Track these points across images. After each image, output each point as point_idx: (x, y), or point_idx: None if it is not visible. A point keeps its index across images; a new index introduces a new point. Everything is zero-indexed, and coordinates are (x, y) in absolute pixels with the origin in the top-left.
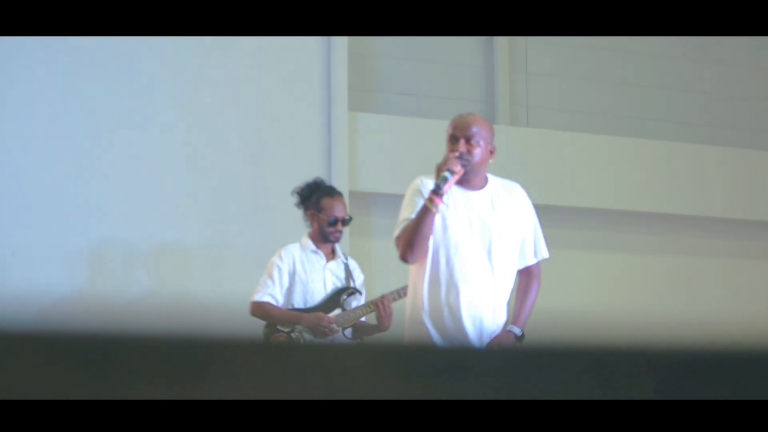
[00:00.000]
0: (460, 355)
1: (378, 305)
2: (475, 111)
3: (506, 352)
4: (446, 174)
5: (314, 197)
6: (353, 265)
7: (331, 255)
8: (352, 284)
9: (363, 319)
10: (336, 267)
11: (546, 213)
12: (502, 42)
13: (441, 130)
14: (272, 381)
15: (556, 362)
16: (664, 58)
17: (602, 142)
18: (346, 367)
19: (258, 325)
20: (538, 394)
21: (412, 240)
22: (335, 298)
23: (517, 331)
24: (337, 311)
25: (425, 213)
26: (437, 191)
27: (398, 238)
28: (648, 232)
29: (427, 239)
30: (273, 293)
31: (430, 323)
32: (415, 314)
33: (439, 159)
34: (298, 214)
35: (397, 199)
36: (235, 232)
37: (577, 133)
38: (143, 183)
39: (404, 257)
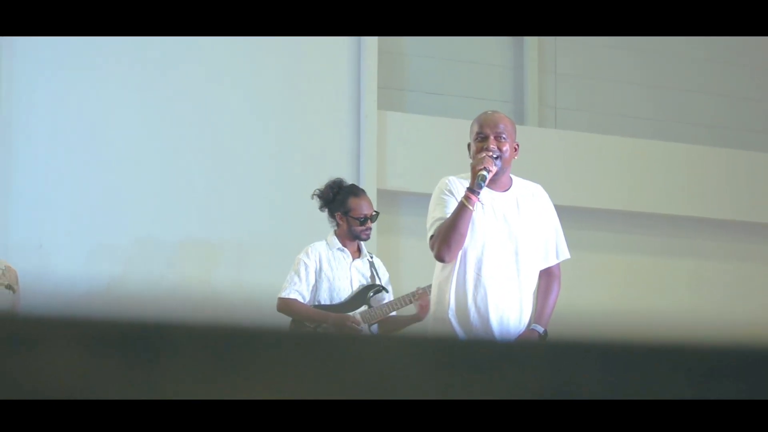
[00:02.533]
0: (493, 348)
1: (421, 294)
2: (506, 111)
3: (538, 347)
4: (484, 173)
5: (339, 198)
6: (378, 263)
7: (357, 253)
8: (378, 282)
9: (393, 313)
10: (362, 265)
11: (572, 214)
12: (531, 43)
13: (468, 130)
14: (304, 371)
15: (586, 358)
16: (692, 61)
17: (629, 144)
18: (379, 358)
19: (284, 322)
20: (567, 390)
21: (449, 237)
22: (362, 296)
23: (540, 329)
24: (363, 308)
25: (462, 210)
26: (474, 189)
27: (433, 237)
28: (674, 234)
29: (464, 237)
30: (300, 290)
31: (456, 321)
32: (440, 312)
33: (466, 158)
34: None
35: (424, 198)
36: (263, 229)
37: (605, 135)
38: (171, 178)
39: (441, 255)
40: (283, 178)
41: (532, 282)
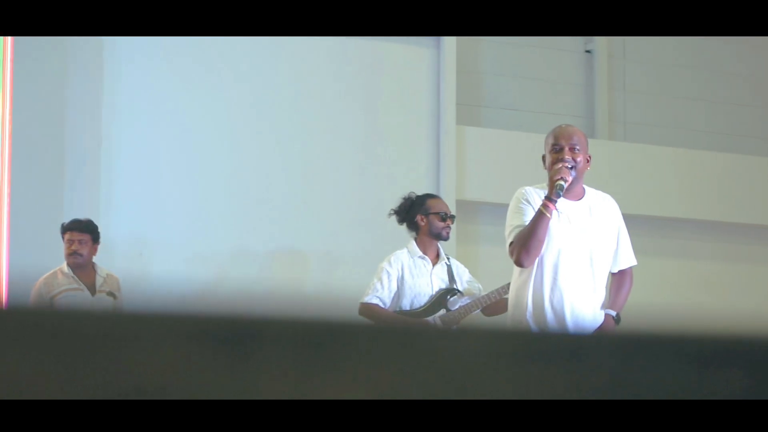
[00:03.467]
0: (575, 340)
1: (501, 290)
2: (577, 125)
3: (614, 337)
4: (562, 182)
5: (417, 203)
6: (455, 264)
7: (436, 259)
8: (455, 286)
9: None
10: (441, 270)
11: (639, 223)
12: (601, 59)
13: (542, 143)
14: (388, 366)
15: (663, 350)
16: (755, 77)
17: (694, 156)
18: (458, 351)
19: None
20: (642, 383)
21: (528, 243)
22: (440, 300)
23: (613, 313)
24: (441, 312)
25: (540, 218)
26: (552, 198)
27: (513, 244)
28: (742, 242)
29: (542, 242)
30: (381, 296)
31: (533, 322)
32: (518, 315)
33: (539, 170)
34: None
35: (501, 208)
36: (349, 239)
37: (672, 148)
38: (261, 190)
39: (520, 260)
40: (369, 190)
41: (605, 286)
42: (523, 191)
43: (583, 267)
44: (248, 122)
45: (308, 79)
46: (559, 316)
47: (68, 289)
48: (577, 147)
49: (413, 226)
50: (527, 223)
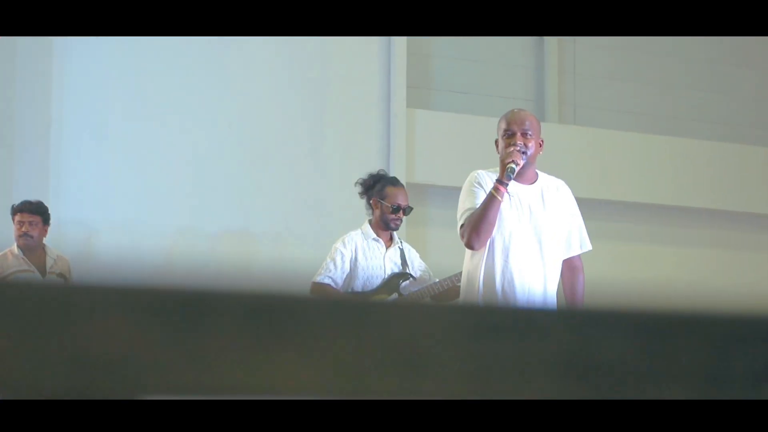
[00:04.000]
0: (528, 314)
1: (453, 278)
2: (527, 108)
3: (563, 312)
4: (513, 165)
5: (378, 186)
6: (408, 248)
7: (389, 242)
8: (408, 270)
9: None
10: (394, 254)
11: (590, 206)
12: (551, 43)
13: (493, 126)
14: (336, 337)
15: (612, 324)
16: (703, 61)
17: (643, 140)
18: (406, 323)
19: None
20: (591, 355)
21: (478, 226)
22: (392, 283)
23: None
24: (394, 296)
25: (491, 200)
26: (503, 181)
27: (464, 227)
28: (685, 225)
29: (493, 225)
30: (333, 276)
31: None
32: (470, 298)
33: (490, 153)
34: (357, 204)
35: (451, 191)
36: (298, 221)
37: (621, 132)
38: (212, 174)
39: (470, 243)
40: (319, 172)
41: (556, 269)
42: (476, 174)
43: (533, 250)
44: (200, 104)
45: (259, 61)
46: (510, 298)
47: (18, 271)
48: (530, 132)
49: (368, 207)
50: (479, 206)
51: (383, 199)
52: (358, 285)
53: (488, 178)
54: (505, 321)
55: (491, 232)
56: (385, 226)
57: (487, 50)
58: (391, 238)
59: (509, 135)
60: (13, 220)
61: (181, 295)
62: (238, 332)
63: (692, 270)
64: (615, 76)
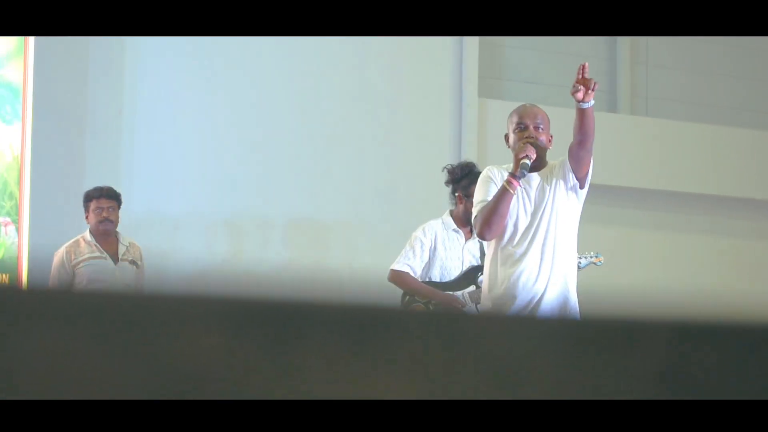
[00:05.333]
0: (627, 326)
1: None
2: (599, 99)
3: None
4: (527, 161)
5: (465, 181)
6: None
7: (470, 234)
8: None
9: None
10: (473, 246)
11: (661, 198)
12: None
13: (566, 117)
14: (432, 352)
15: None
16: None
17: (718, 132)
18: (512, 338)
19: (395, 293)
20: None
21: (489, 218)
22: (470, 276)
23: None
24: (471, 288)
25: (503, 193)
26: (516, 175)
27: (476, 218)
28: (748, 218)
29: (504, 218)
30: (412, 265)
31: (491, 297)
32: (484, 290)
33: (561, 144)
34: (429, 193)
35: None
36: (369, 210)
37: (693, 123)
38: (282, 159)
39: (482, 234)
40: (390, 163)
41: (561, 259)
42: (487, 169)
43: (538, 243)
44: (272, 93)
45: (330, 49)
46: (510, 291)
47: (91, 257)
48: (541, 126)
49: (453, 198)
50: (491, 199)
51: (469, 196)
52: (436, 275)
53: (499, 174)
54: (599, 333)
55: (502, 224)
56: (467, 222)
57: (559, 41)
58: (472, 231)
59: (521, 128)
60: (88, 206)
61: (275, 308)
62: (332, 344)
63: (756, 264)
64: (688, 66)
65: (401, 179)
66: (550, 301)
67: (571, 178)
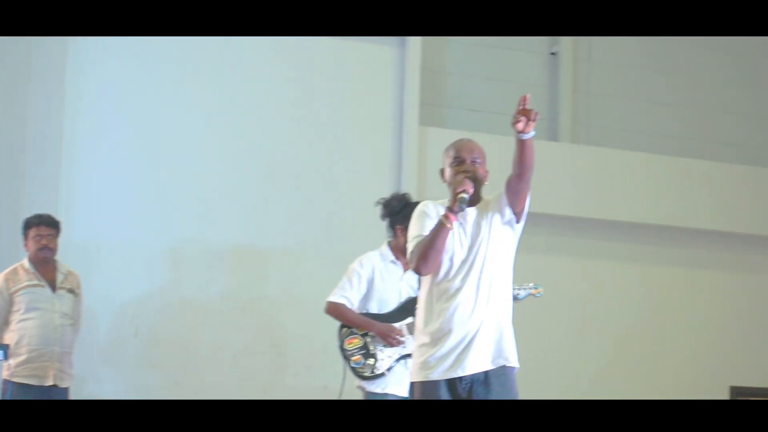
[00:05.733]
0: None
1: None
2: (540, 128)
3: None
4: (465, 195)
5: (404, 212)
6: None
7: (407, 265)
8: None
9: None
10: (411, 277)
11: (600, 227)
12: (566, 62)
13: (507, 145)
14: None
15: None
16: (716, 82)
17: (658, 161)
18: None
19: (332, 325)
20: None
21: (426, 253)
22: (408, 307)
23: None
24: (409, 320)
25: (440, 228)
26: (454, 210)
27: (412, 253)
28: (699, 247)
29: (440, 252)
30: (349, 296)
31: (426, 332)
32: (419, 324)
33: (502, 172)
34: (368, 221)
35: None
36: (310, 237)
37: (633, 152)
38: (223, 187)
39: (418, 269)
40: (329, 189)
41: (498, 291)
42: (423, 204)
43: (473, 277)
44: (211, 120)
45: (272, 76)
46: (446, 325)
47: (29, 285)
48: (478, 160)
49: (391, 231)
50: (428, 234)
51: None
52: (374, 307)
53: (434, 209)
54: None
55: (439, 258)
56: (404, 254)
57: (502, 67)
58: None
59: (458, 162)
60: (27, 234)
61: None
62: None
63: (702, 291)
64: (629, 95)
65: (341, 206)
66: (485, 335)
67: (508, 213)
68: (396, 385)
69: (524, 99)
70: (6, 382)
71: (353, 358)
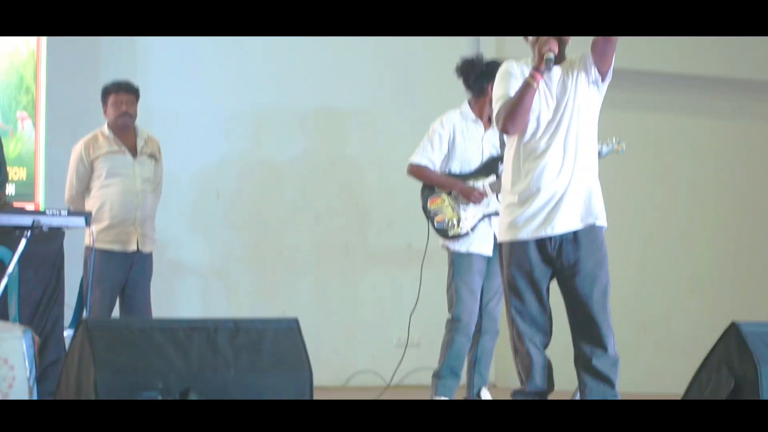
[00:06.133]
0: None
1: None
2: None
3: None
4: (551, 55)
5: (478, 83)
6: None
7: (488, 124)
8: None
9: None
10: (493, 135)
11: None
12: None
13: None
14: None
15: None
16: None
17: None
18: None
19: (414, 183)
20: None
21: (513, 112)
22: (490, 166)
23: None
24: (492, 178)
25: (527, 88)
26: (540, 69)
27: (498, 113)
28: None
29: (528, 112)
30: (431, 158)
31: (513, 192)
32: (506, 184)
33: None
34: (447, 81)
35: None
36: (388, 96)
37: None
38: (300, 49)
39: (506, 128)
40: (407, 52)
41: (583, 151)
42: (508, 64)
43: (560, 135)
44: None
45: None
46: (534, 184)
47: (110, 151)
48: None
49: (477, 90)
50: (513, 94)
51: (483, 95)
52: (455, 166)
53: (519, 70)
54: None
55: (526, 118)
56: (489, 112)
57: None
58: (490, 120)
59: None
60: (106, 100)
61: None
62: None
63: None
64: None
65: (421, 67)
66: (574, 195)
67: (594, 72)
68: (480, 243)
69: None
70: (89, 248)
71: (437, 218)
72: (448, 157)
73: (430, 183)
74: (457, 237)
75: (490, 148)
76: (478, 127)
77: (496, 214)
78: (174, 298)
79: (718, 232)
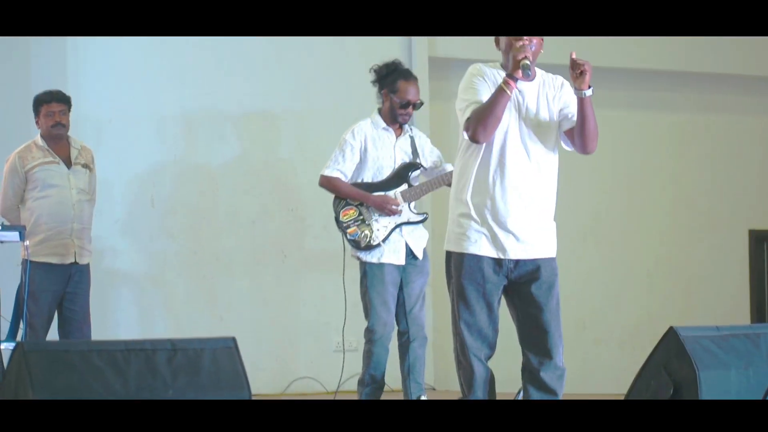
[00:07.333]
0: None
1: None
2: None
3: None
4: (527, 62)
5: (390, 78)
6: (418, 135)
7: (399, 131)
8: (418, 159)
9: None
10: (404, 143)
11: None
12: None
13: None
14: None
15: None
16: None
17: None
18: None
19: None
20: None
21: (486, 120)
22: (402, 174)
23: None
24: (403, 186)
25: (500, 95)
26: (514, 76)
27: (469, 120)
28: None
29: (499, 120)
30: (342, 169)
31: (472, 201)
32: (460, 193)
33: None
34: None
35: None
36: (319, 99)
37: None
38: (230, 52)
39: (476, 137)
40: (338, 52)
41: (549, 168)
42: (478, 67)
43: (529, 148)
44: None
45: None
46: (499, 193)
47: (44, 162)
48: None
49: (379, 96)
50: (484, 100)
51: (394, 93)
52: (368, 175)
53: (489, 72)
54: None
55: (497, 126)
56: (393, 120)
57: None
58: (401, 127)
59: None
60: (39, 111)
61: None
62: None
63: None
64: None
65: (352, 71)
66: (534, 222)
67: (566, 125)
68: (391, 253)
69: (571, 55)
70: (25, 261)
71: (349, 230)
72: (361, 166)
73: (342, 195)
74: (369, 248)
75: (402, 155)
76: (390, 135)
77: (408, 223)
78: (110, 308)
79: (659, 227)
